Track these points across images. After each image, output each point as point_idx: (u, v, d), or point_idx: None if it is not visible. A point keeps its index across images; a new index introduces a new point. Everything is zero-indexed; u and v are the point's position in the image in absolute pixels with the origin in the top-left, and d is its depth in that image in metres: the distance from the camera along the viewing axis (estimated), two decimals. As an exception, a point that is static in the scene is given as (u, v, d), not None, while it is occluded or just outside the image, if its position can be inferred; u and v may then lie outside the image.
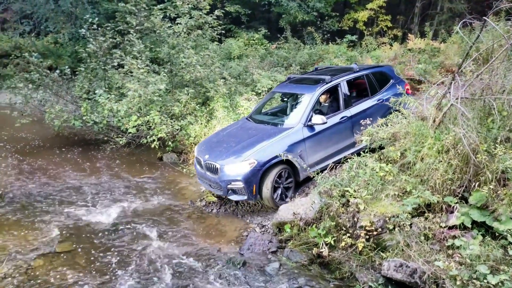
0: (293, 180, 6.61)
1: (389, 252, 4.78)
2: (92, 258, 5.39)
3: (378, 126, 6.27)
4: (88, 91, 10.58)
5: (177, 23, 10.48)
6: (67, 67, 10.77)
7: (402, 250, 4.65)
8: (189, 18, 10.58)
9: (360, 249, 4.84)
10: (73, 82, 11.52)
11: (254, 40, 15.98)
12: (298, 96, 7.31)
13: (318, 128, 6.69)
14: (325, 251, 5.02)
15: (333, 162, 6.65)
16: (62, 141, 10.48)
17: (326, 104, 7.35)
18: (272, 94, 8.32)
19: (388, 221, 4.91)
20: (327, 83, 7.08)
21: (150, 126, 8.99)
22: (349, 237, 4.98)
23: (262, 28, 16.38)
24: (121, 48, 10.29)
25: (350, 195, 5.29)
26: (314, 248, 5.14)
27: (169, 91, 10.15)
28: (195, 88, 10.01)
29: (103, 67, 10.17)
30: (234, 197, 6.36)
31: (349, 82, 7.38)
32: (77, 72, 11.11)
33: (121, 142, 9.21)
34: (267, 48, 15.62)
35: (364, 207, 5.08)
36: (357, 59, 12.89)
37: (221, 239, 5.93)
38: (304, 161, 6.51)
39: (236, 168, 6.21)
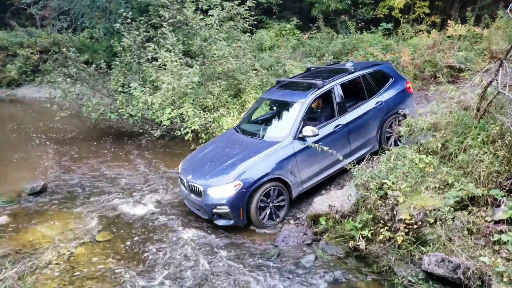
0: (286, 198, 6.05)
1: (430, 246, 4.60)
2: (130, 247, 5.51)
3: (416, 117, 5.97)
4: (123, 84, 10.79)
5: (209, 15, 10.49)
6: (102, 61, 11.03)
7: (444, 244, 4.47)
8: (221, 10, 10.55)
9: (399, 242, 4.69)
10: (108, 76, 11.80)
11: (285, 30, 15.77)
12: (288, 104, 6.63)
13: (310, 140, 6.00)
14: (362, 244, 4.89)
15: (328, 175, 6.41)
16: (99, 134, 10.77)
17: (319, 111, 6.75)
18: (261, 102, 7.50)
19: (428, 214, 4.72)
20: (319, 88, 6.40)
21: (184, 119, 9.07)
22: (387, 230, 4.84)
23: (294, 18, 16.12)
24: (154, 41, 10.41)
25: (388, 188, 5.13)
26: (350, 241, 5.03)
27: (201, 84, 10.19)
28: (227, 80, 10.00)
29: (137, 61, 10.34)
30: (220, 222, 5.82)
31: (343, 85, 6.67)
32: (112, 66, 11.35)
33: (155, 135, 9.35)
34: (299, 38, 15.39)
35: (403, 199, 4.91)
36: (393, 48, 12.47)
37: (256, 230, 5.91)
38: (296, 177, 6.01)
39: (220, 191, 5.66)
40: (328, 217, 5.49)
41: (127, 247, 5.52)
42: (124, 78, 10.95)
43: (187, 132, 8.83)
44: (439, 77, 7.82)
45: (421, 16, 15.30)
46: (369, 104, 6.83)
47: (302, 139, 6.04)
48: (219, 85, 9.63)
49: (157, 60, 9.72)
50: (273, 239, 5.67)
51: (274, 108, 7.29)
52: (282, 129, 6.24)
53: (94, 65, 10.86)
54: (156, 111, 9.38)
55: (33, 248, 5.46)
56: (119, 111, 10.03)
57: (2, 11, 18.05)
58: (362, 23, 14.74)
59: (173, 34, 10.18)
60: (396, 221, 4.83)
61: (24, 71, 15.75)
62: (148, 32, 10.34)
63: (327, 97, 6.62)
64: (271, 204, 5.93)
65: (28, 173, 8.25)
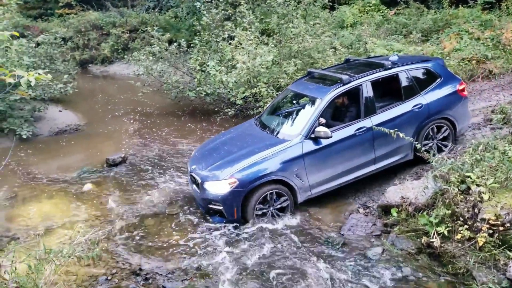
0: (290, 202, 5.56)
1: (519, 252, 4.04)
2: (195, 222, 5.66)
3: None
4: (202, 63, 11.04)
5: (288, -9, 10.19)
6: (183, 40, 11.36)
7: (537, 252, 3.89)
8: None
9: (480, 244, 4.18)
10: (189, 55, 12.15)
11: (370, 6, 14.83)
12: (308, 98, 6.08)
13: (325, 142, 5.48)
14: (436, 241, 4.46)
15: (343, 182, 5.76)
16: (178, 110, 11.21)
17: (344, 110, 6.14)
18: (287, 93, 6.83)
19: (520, 215, 4.13)
20: (344, 84, 5.73)
21: (257, 98, 9.02)
22: (467, 229, 4.33)
23: (380, -7, 15.10)
24: (233, 20, 10.42)
25: (472, 182, 4.56)
26: (423, 237, 4.62)
27: (277, 63, 10.03)
28: (302, 59, 9.70)
29: (215, 40, 10.46)
30: (215, 219, 5.54)
31: (375, 83, 5.91)
32: (192, 45, 11.66)
33: (229, 113, 9.46)
34: (384, 14, 14.40)
35: (489, 197, 4.34)
36: (494, 24, 11.07)
37: (321, 217, 5.71)
38: (303, 181, 5.50)
39: (216, 186, 5.35)
40: (400, 209, 5.10)
41: (192, 222, 5.68)
42: (203, 56, 11.20)
43: (260, 112, 8.78)
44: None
45: (532, -13, 13.35)
46: (405, 106, 5.96)
47: (315, 139, 5.48)
48: (295, 64, 9.38)
49: (233, 39, 9.74)
50: (339, 227, 5.44)
51: (295, 102, 6.63)
52: (295, 127, 5.74)
53: (175, 44, 11.23)
54: (231, 90, 9.46)
55: (108, 215, 5.87)
56: (197, 89, 10.29)
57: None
58: (458, -4, 13.28)
59: (251, 12, 10.08)
60: (479, 220, 4.30)
61: (116, 49, 16.91)
62: (227, 10, 10.37)
63: (354, 95, 5.94)
64: (271, 209, 5.49)
65: (113, 145, 8.88)
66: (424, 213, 4.78)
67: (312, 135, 5.46)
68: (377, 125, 5.67)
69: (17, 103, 9.30)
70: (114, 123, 10.51)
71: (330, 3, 11.36)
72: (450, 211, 4.52)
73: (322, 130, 5.37)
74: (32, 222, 5.71)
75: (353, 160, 5.73)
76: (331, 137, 5.40)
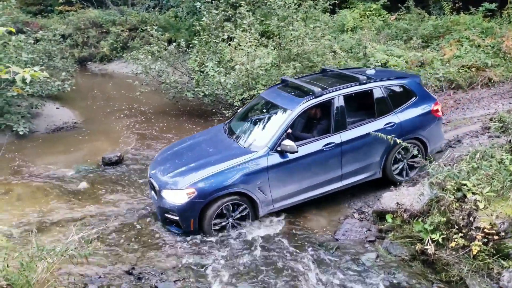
0: (251, 215, 5.38)
1: (513, 261, 4.04)
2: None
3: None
4: (201, 63, 11.01)
5: (288, -6, 10.17)
6: (182, 40, 11.33)
7: (531, 261, 3.88)
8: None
9: (474, 252, 4.16)
10: (188, 55, 12.13)
11: (371, 10, 14.83)
12: (278, 109, 5.80)
13: (291, 155, 5.30)
14: (430, 248, 4.45)
15: (308, 198, 5.64)
16: (176, 110, 11.18)
17: (315, 123, 5.98)
18: (259, 99, 6.53)
19: (514, 225, 4.13)
20: (315, 97, 5.54)
21: (255, 100, 8.99)
22: (461, 237, 4.32)
23: (381, -2, 15.12)
24: (232, 21, 10.41)
25: (468, 190, 4.55)
26: (418, 244, 4.61)
27: (276, 65, 10.02)
28: (301, 62, 9.70)
29: (214, 40, 10.44)
30: (171, 228, 5.32)
31: (348, 97, 5.75)
32: (191, 45, 11.63)
33: (227, 115, 9.43)
34: (385, 19, 14.41)
35: (485, 205, 4.33)
36: (495, 31, 11.10)
37: (316, 221, 5.70)
38: (266, 195, 5.31)
39: (173, 195, 5.13)
40: (395, 215, 5.09)
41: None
42: (202, 57, 11.18)
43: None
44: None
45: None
46: (377, 124, 5.81)
47: (281, 153, 5.29)
48: (294, 67, 9.37)
49: (232, 40, 9.72)
50: (333, 232, 5.43)
51: (265, 110, 6.24)
52: (262, 138, 5.52)
53: (174, 44, 11.21)
54: (229, 91, 9.44)
55: (102, 215, 5.84)
56: (195, 89, 10.27)
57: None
58: (460, 3, 13.30)
59: (251, 14, 10.07)
60: (473, 228, 4.29)
61: (115, 48, 16.85)
62: (227, 11, 10.36)
63: (325, 108, 5.81)
64: (230, 220, 5.30)
65: (110, 143, 8.84)
66: (419, 220, 4.77)
67: (278, 148, 5.26)
68: (347, 141, 5.60)
69: (15, 99, 9.26)
70: (112, 121, 10.48)
71: (331, 7, 11.34)
72: (445, 219, 4.51)
73: (288, 144, 5.18)
74: (25, 219, 5.67)
75: (319, 176, 5.59)
76: (297, 151, 5.21)
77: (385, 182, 6.01)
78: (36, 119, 9.97)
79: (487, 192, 4.42)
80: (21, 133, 8.88)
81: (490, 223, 4.17)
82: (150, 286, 4.27)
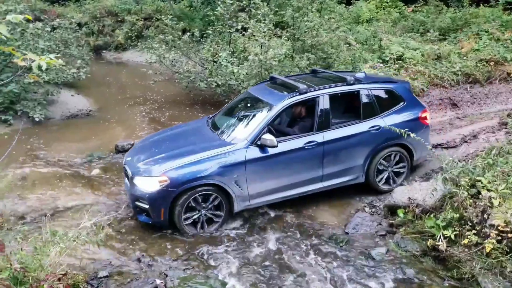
0: (225, 210, 5.20)
1: (527, 260, 3.97)
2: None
3: None
4: (215, 53, 10.99)
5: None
6: (196, 30, 11.31)
7: (545, 261, 3.81)
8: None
9: (487, 250, 4.10)
10: (202, 45, 12.10)
11: (387, 2, 14.61)
12: (262, 104, 5.73)
13: (271, 150, 5.20)
14: (442, 245, 4.39)
15: (286, 196, 5.49)
16: (188, 100, 11.21)
17: (298, 121, 5.87)
18: (246, 94, 6.47)
19: (530, 223, 4.05)
20: (300, 94, 5.47)
21: (268, 91, 8.95)
22: (475, 234, 4.25)
23: (399, -11, 14.85)
24: (247, 11, 10.33)
25: (483, 187, 4.48)
26: (429, 240, 4.55)
27: (290, 56, 9.94)
28: (315, 53, 9.60)
29: (228, 30, 10.39)
30: (141, 218, 5.13)
31: (334, 97, 5.65)
32: (205, 35, 11.60)
33: (239, 105, 9.43)
34: (401, 11, 14.17)
35: (500, 202, 4.25)
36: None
37: (326, 214, 5.68)
38: (242, 190, 5.17)
39: (144, 183, 5.01)
40: (407, 210, 5.04)
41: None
42: (216, 47, 11.15)
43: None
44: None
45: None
46: (361, 126, 5.70)
47: (261, 147, 5.19)
48: (307, 58, 9.29)
49: (246, 30, 9.67)
50: (344, 225, 5.41)
51: (250, 105, 6.19)
52: (242, 131, 5.44)
53: (188, 33, 11.20)
54: (242, 81, 9.41)
55: (114, 202, 5.90)
56: (208, 79, 10.26)
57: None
58: (480, -5, 13.00)
59: (265, 4, 9.99)
60: (487, 225, 4.22)
61: (130, 37, 16.94)
62: (242, 1, 10.29)
63: (309, 106, 5.75)
64: (203, 211, 5.13)
65: (123, 131, 8.92)
66: (431, 215, 4.71)
67: (258, 142, 5.17)
68: (329, 141, 5.49)
69: (31, 86, 9.38)
70: (125, 109, 10.55)
71: (347, -2, 11.21)
72: (458, 215, 4.45)
73: (268, 138, 5.07)
74: (40, 203, 5.76)
75: (299, 175, 5.47)
76: (276, 146, 5.11)
77: (368, 189, 5.96)
78: (52, 106, 10.10)
79: (502, 189, 4.34)
80: (37, 119, 9.01)
81: (505, 220, 4.09)
82: (159, 274, 4.32)
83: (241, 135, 5.34)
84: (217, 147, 5.21)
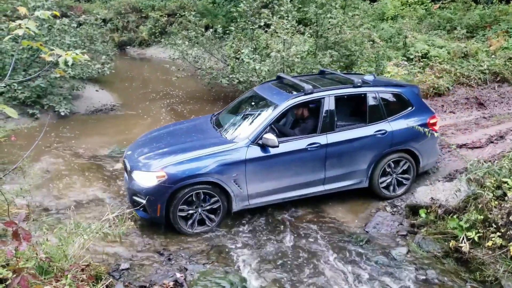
0: (223, 209, 5.12)
1: (554, 265, 3.85)
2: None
3: None
4: (237, 50, 11.01)
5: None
6: (219, 26, 11.35)
7: None
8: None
9: (512, 253, 4.01)
10: (224, 41, 12.13)
11: (413, -1, 14.33)
12: (266, 103, 5.62)
13: (272, 150, 5.10)
14: (465, 246, 4.30)
15: (287, 198, 5.39)
16: (210, 97, 11.29)
17: (302, 122, 5.76)
18: (252, 93, 6.33)
19: (558, 227, 3.91)
20: (305, 94, 5.34)
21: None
22: (499, 236, 4.15)
23: (425, -15, 14.51)
24: (270, 7, 10.31)
25: (509, 188, 4.36)
26: (451, 241, 4.48)
27: (312, 53, 9.88)
28: (339, 50, 9.51)
29: (251, 27, 10.40)
30: (138, 213, 5.00)
31: (339, 99, 5.54)
32: (227, 32, 11.63)
33: (260, 102, 9.43)
34: (428, 8, 13.86)
35: (526, 205, 4.14)
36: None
37: (346, 212, 5.63)
38: (242, 189, 5.08)
39: (142, 177, 4.95)
40: (429, 210, 4.96)
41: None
42: (238, 43, 11.17)
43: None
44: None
45: None
46: (367, 130, 5.55)
47: (263, 147, 5.09)
48: (330, 56, 9.20)
49: (269, 27, 9.65)
50: (364, 224, 5.36)
51: (254, 104, 6.05)
52: (244, 130, 5.35)
53: (211, 30, 11.25)
54: (264, 78, 9.41)
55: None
56: (230, 76, 10.30)
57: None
58: (510, -9, 12.60)
59: (288, 1, 9.94)
60: (513, 228, 4.11)
61: (153, 33, 17.12)
62: (265, -3, 10.29)
63: (314, 107, 5.64)
64: (199, 210, 5.04)
65: (146, 126, 9.01)
66: (454, 216, 4.62)
67: (260, 141, 5.08)
68: (333, 144, 5.36)
69: (57, 81, 9.62)
70: (148, 105, 10.71)
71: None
72: (482, 217, 4.34)
73: (270, 137, 4.98)
74: (64, 195, 5.93)
75: (300, 176, 5.36)
76: (277, 146, 5.00)
77: (372, 195, 5.85)
78: (77, 100, 10.33)
79: (529, 192, 4.21)
80: (62, 113, 9.24)
81: (531, 223, 3.98)
82: (179, 267, 4.38)
83: (243, 134, 5.27)
84: (218, 145, 5.14)
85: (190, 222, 5.04)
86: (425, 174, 6.15)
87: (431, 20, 12.58)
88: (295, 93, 5.50)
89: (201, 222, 5.12)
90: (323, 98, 5.44)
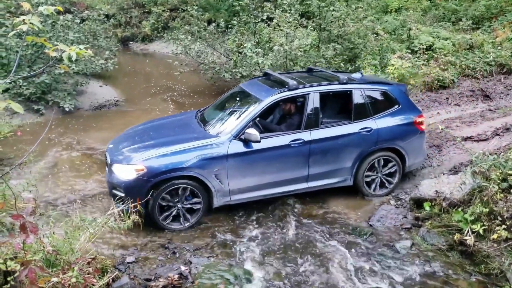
0: (203, 204, 5.03)
1: (560, 257, 3.84)
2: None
3: None
4: (240, 44, 10.99)
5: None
6: (222, 20, 11.32)
7: None
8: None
9: (517, 246, 4.00)
10: (227, 36, 12.10)
11: (417, -10, 14.20)
12: (250, 98, 5.55)
13: (255, 146, 5.04)
14: (470, 239, 4.30)
15: (269, 194, 5.32)
16: (213, 91, 11.28)
17: (287, 117, 5.70)
18: (237, 89, 6.28)
19: None
20: (289, 90, 5.28)
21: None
22: (504, 229, 4.14)
23: (429, -23, 14.37)
24: (272, 1, 10.27)
25: (515, 181, 4.35)
26: (456, 234, 4.47)
27: (315, 46, 9.84)
28: (342, 43, 9.46)
29: (254, 21, 10.36)
30: (118, 207, 4.64)
31: (324, 95, 5.50)
32: (230, 26, 11.60)
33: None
34: (432, 0, 13.74)
35: (532, 197, 4.12)
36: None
37: (350, 205, 5.63)
38: (223, 185, 5.02)
39: (122, 170, 4.87)
40: (433, 203, 4.94)
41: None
42: (241, 38, 11.14)
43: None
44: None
45: None
46: (352, 127, 5.49)
47: (245, 142, 5.03)
48: (333, 49, 9.16)
49: (272, 21, 9.61)
50: (368, 217, 5.36)
51: (239, 99, 5.98)
52: (227, 125, 5.30)
53: (213, 24, 11.23)
54: (267, 72, 9.40)
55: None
56: (233, 70, 10.29)
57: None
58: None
59: (291, -7, 9.90)
60: (518, 220, 4.10)
61: (156, 28, 17.14)
62: (267, -9, 10.25)
63: (299, 103, 5.62)
64: (179, 205, 4.98)
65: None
66: (459, 209, 4.61)
67: (242, 136, 5.02)
68: (316, 140, 5.29)
69: (61, 77, 9.65)
70: (152, 100, 10.73)
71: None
72: (487, 210, 4.33)
73: (252, 132, 4.92)
74: (69, 190, 5.97)
75: (283, 173, 5.29)
76: (259, 141, 4.95)
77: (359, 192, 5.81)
78: (81, 96, 10.37)
79: (535, 184, 4.20)
80: (66, 109, 9.28)
81: (537, 216, 3.97)
82: (184, 261, 4.41)
83: (226, 129, 5.21)
84: (200, 139, 5.08)
85: (165, 214, 4.96)
86: (429, 167, 6.11)
87: (435, 11, 12.47)
88: (280, 88, 5.45)
89: (176, 219, 5.05)
90: (308, 94, 5.39)
